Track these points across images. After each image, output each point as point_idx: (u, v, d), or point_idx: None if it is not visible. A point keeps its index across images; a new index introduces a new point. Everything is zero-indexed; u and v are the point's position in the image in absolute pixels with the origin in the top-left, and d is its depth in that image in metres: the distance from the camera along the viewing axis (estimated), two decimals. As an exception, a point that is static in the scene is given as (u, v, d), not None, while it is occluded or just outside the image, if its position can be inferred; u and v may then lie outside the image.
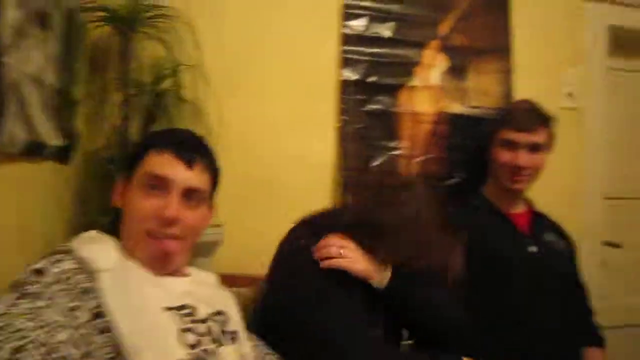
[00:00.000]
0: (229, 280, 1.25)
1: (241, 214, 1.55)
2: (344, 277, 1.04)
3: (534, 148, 1.56)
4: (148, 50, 1.39)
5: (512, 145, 1.56)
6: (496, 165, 1.61)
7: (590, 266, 1.91)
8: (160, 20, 1.33)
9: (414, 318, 1.11)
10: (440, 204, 1.20)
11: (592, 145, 2.03)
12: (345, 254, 1.05)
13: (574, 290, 1.62)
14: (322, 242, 1.07)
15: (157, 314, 0.83)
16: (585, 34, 2.00)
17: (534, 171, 1.59)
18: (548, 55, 1.94)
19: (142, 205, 0.92)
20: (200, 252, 1.37)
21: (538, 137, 1.56)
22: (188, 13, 1.34)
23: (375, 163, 1.66)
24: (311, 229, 1.14)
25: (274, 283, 1.13)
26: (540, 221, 1.64)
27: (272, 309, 1.09)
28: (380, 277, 1.08)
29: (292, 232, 1.19)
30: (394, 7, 1.70)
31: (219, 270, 1.25)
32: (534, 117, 1.58)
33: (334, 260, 1.04)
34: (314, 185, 1.65)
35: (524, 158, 1.55)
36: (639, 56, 2.24)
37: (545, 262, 1.51)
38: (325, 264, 1.04)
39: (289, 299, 1.05)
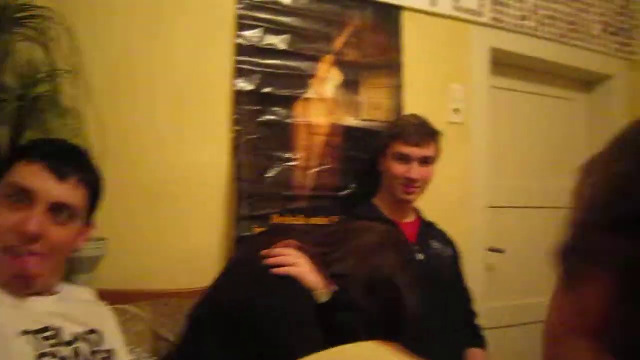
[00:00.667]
0: (112, 296, 1.19)
1: (126, 227, 1.47)
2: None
3: (425, 161, 1.65)
4: (22, 53, 1.29)
5: (405, 159, 1.63)
6: (389, 177, 1.68)
7: (475, 270, 2.03)
8: (35, 20, 1.24)
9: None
10: (403, 256, 1.21)
11: (477, 157, 2.16)
12: (300, 263, 1.10)
13: (458, 294, 1.71)
14: (277, 250, 1.12)
15: (9, 339, 0.76)
16: (470, 54, 2.15)
17: (425, 183, 1.67)
18: (436, 73, 2.06)
19: (2, 219, 0.85)
20: (80, 267, 1.30)
21: (428, 151, 1.65)
22: (67, 15, 1.26)
23: (270, 174, 1.65)
24: (274, 237, 1.19)
25: (239, 283, 1.11)
26: (427, 230, 1.72)
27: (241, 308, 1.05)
28: (325, 290, 1.10)
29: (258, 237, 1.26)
30: (289, 20, 1.71)
31: (102, 286, 1.19)
32: (425, 132, 1.66)
33: (289, 267, 1.08)
34: (205, 197, 1.61)
35: (416, 171, 1.62)
36: (517, 77, 2.45)
37: (431, 269, 1.58)
38: (279, 270, 1.08)
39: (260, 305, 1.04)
